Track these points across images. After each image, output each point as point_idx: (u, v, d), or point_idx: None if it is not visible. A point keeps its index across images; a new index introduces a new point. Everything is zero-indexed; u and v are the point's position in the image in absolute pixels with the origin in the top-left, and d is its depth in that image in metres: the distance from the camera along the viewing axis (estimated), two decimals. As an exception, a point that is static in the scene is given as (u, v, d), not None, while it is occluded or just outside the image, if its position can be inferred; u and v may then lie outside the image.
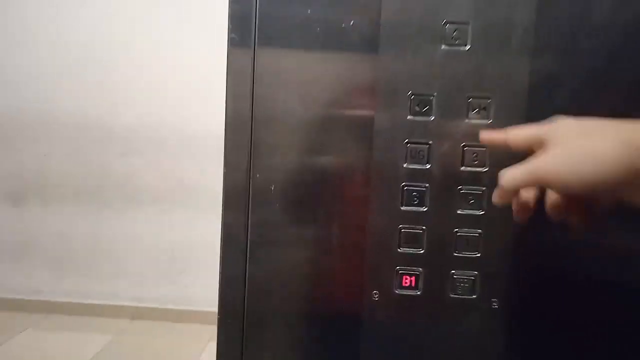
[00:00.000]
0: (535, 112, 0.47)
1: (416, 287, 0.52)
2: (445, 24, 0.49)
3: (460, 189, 0.51)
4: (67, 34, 1.90)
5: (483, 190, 0.50)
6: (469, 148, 0.50)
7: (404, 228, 0.52)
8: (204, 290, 1.82)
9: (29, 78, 1.92)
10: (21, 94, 1.95)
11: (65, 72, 1.92)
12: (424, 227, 0.51)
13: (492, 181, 0.47)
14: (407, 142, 0.51)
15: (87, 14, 1.89)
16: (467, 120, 0.50)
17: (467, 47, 0.49)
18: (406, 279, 0.52)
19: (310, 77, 0.52)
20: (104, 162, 1.99)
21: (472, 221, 0.51)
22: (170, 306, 2.00)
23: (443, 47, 0.50)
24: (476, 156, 0.50)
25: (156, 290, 2.01)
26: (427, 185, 0.51)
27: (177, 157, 1.94)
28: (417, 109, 0.50)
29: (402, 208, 0.51)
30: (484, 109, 0.50)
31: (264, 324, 0.55)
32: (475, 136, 0.48)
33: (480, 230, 0.51)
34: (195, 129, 1.88)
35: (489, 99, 0.49)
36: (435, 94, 0.50)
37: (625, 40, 0.49)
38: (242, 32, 0.52)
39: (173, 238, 1.97)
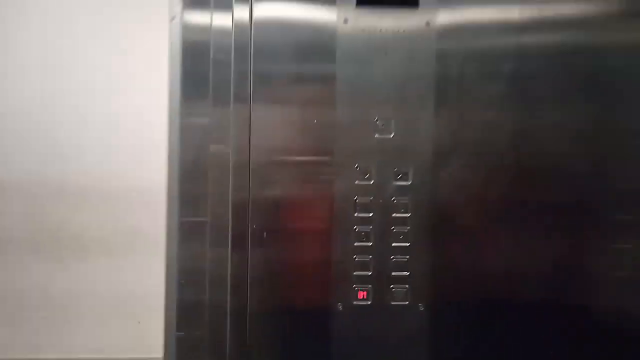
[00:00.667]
0: (444, 179, 0.74)
1: (368, 299, 0.75)
2: (377, 120, 0.75)
3: (393, 229, 0.75)
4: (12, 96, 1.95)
5: (408, 229, 0.75)
6: (397, 200, 0.75)
7: (357, 258, 0.75)
8: (162, 337, 1.91)
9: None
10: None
11: (17, 129, 1.97)
12: (370, 256, 0.75)
13: (414, 221, 0.72)
14: (356, 198, 0.75)
15: (31, 66, 1.95)
16: (394, 183, 0.75)
17: (392, 135, 0.75)
18: (360, 293, 0.75)
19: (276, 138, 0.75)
20: (57, 216, 2.06)
21: (403, 251, 0.75)
22: (130, 355, 2.07)
23: (376, 135, 0.75)
24: (402, 207, 0.75)
25: (115, 340, 2.08)
26: (371, 227, 0.75)
27: (130, 207, 2.03)
28: (361, 176, 0.75)
29: (355, 244, 0.75)
30: (406, 174, 0.75)
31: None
32: (402, 192, 0.73)
33: (407, 256, 0.75)
34: (148, 178, 1.96)
35: (409, 169, 0.75)
36: (373, 166, 0.75)
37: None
38: (198, 88, 0.74)
39: (128, 288, 2.05)
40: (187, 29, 0.74)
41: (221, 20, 0.74)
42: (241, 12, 0.74)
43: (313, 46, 0.74)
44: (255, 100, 0.74)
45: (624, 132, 0.77)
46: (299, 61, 0.75)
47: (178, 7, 0.73)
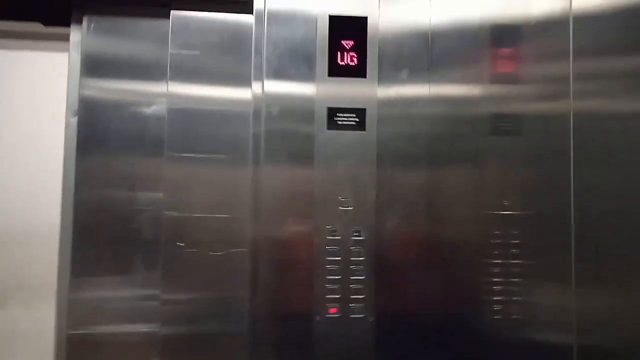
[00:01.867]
0: (383, 234, 1.18)
1: (337, 313, 1.17)
2: (340, 197, 1.20)
3: (352, 267, 1.18)
4: None
5: (362, 267, 1.18)
6: (354, 248, 1.18)
7: (329, 285, 1.17)
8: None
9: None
10: None
11: None
12: (338, 285, 1.17)
13: (366, 261, 1.16)
14: (328, 247, 1.18)
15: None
16: (352, 238, 1.19)
17: (350, 207, 1.20)
18: (331, 309, 1.17)
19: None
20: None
21: (359, 281, 1.18)
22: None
23: (339, 208, 1.20)
24: (357, 253, 1.18)
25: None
26: (337, 266, 1.18)
27: (23, 254, 1.80)
28: (332, 233, 1.18)
29: (327, 277, 1.17)
30: (359, 231, 1.19)
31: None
32: (357, 243, 1.17)
33: (362, 285, 1.18)
34: (40, 223, 1.73)
35: (361, 228, 1.20)
36: (339, 226, 1.19)
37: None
38: (89, 140, 1.17)
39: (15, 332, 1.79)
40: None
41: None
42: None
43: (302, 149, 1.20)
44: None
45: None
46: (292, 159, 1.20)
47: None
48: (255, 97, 1.21)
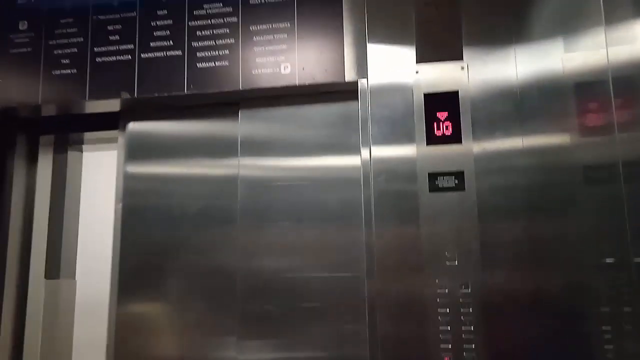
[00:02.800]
0: (489, 288, 1.28)
1: (450, 361, 1.27)
2: (446, 253, 1.31)
3: (462, 318, 1.28)
4: None
5: (471, 318, 1.27)
6: (463, 301, 1.29)
7: (442, 336, 1.28)
8: None
9: None
10: None
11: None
12: (449, 335, 1.27)
13: (474, 313, 1.25)
14: (438, 300, 1.29)
15: None
16: (461, 291, 1.29)
17: (456, 262, 1.31)
18: (446, 359, 1.27)
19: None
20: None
21: (468, 332, 1.27)
22: None
23: (447, 262, 1.31)
24: (466, 304, 1.28)
25: None
26: (448, 318, 1.28)
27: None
28: (441, 286, 1.30)
29: (440, 327, 1.28)
30: (467, 284, 1.29)
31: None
32: (465, 296, 1.27)
33: (472, 335, 1.27)
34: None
35: (468, 282, 1.30)
36: (447, 281, 1.30)
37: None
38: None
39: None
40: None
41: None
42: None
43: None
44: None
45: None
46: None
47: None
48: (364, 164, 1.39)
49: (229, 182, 1.57)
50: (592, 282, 1.25)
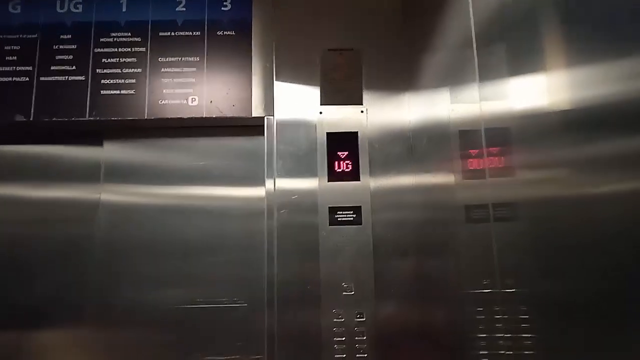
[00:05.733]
0: (382, 316, 1.35)
1: None
2: (344, 284, 1.38)
3: (357, 345, 1.34)
4: None
5: (365, 345, 1.34)
6: (357, 329, 1.35)
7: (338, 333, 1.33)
8: None
9: None
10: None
11: None
12: (345, 359, 1.33)
13: (368, 341, 1.32)
14: (335, 329, 1.35)
15: None
16: (355, 319, 1.36)
17: (352, 292, 1.38)
18: None
19: (296, 307, 1.36)
20: None
21: (364, 351, 1.33)
22: None
23: (344, 293, 1.38)
24: (360, 333, 1.35)
25: None
26: (344, 346, 1.34)
27: None
28: (338, 315, 1.36)
29: (335, 356, 1.33)
30: (362, 314, 1.36)
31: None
32: (359, 324, 1.34)
33: (366, 355, 1.33)
34: None
35: (363, 311, 1.37)
36: (343, 309, 1.36)
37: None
38: None
39: None
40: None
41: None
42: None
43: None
44: (278, 277, 1.37)
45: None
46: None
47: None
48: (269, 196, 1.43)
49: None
50: (470, 313, 1.37)
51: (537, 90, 0.95)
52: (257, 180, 1.53)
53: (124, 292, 1.49)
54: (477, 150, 1.39)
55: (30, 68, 1.56)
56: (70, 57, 1.57)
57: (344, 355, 1.33)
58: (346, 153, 1.44)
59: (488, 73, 1.20)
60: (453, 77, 1.46)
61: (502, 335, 1.37)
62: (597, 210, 0.81)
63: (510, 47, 1.06)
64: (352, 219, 1.42)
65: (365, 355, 1.34)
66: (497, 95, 1.17)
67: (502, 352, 1.36)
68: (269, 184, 1.45)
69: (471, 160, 1.38)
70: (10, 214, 1.54)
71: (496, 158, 1.29)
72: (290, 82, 1.51)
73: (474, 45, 1.23)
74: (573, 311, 0.93)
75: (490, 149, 1.26)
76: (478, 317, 1.36)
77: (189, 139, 1.59)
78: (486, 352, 1.36)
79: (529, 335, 1.37)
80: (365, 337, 1.35)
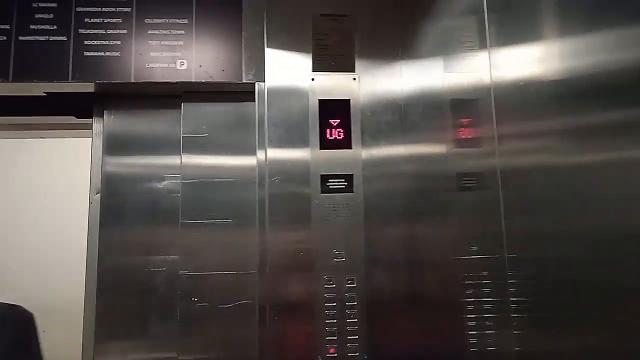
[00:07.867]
0: (372, 281, 1.38)
1: (335, 353, 1.35)
2: (335, 250, 1.40)
3: (347, 311, 1.37)
4: None
5: (356, 311, 1.37)
6: (348, 295, 1.37)
7: (327, 328, 1.35)
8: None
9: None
10: None
11: None
12: (335, 328, 1.36)
13: (358, 306, 1.35)
14: (326, 294, 1.37)
15: None
16: (346, 285, 1.38)
17: (344, 259, 1.40)
18: (331, 349, 1.35)
19: (288, 274, 1.37)
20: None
21: (353, 323, 1.36)
22: None
23: (334, 260, 1.39)
24: (351, 298, 1.37)
25: None
26: (334, 311, 1.36)
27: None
28: (328, 282, 1.38)
29: (326, 321, 1.36)
30: (352, 279, 1.38)
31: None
32: (350, 290, 1.36)
33: (356, 327, 1.36)
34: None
35: (354, 276, 1.39)
36: (334, 276, 1.38)
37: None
38: None
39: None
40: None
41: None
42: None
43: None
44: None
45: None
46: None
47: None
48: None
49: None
50: (459, 278, 1.41)
51: (539, 59, 0.96)
52: (247, 148, 1.51)
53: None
54: (470, 119, 1.40)
55: (7, 27, 1.49)
56: (51, 15, 1.50)
57: (335, 320, 1.36)
58: (338, 121, 1.44)
59: (497, 40, 1.20)
60: (447, 47, 1.45)
61: (489, 299, 1.41)
62: (582, 178, 0.84)
63: (518, 16, 1.05)
64: (343, 186, 1.42)
65: (356, 320, 1.37)
66: (505, 64, 1.17)
67: (489, 315, 1.41)
68: (260, 153, 1.44)
69: (464, 128, 1.40)
70: None
71: (488, 127, 1.32)
72: (282, 48, 1.49)
73: (485, 11, 1.22)
74: (558, 277, 0.97)
75: (483, 117, 1.28)
76: (466, 282, 1.40)
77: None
78: (473, 316, 1.40)
79: (516, 299, 1.42)
80: (355, 303, 1.37)
